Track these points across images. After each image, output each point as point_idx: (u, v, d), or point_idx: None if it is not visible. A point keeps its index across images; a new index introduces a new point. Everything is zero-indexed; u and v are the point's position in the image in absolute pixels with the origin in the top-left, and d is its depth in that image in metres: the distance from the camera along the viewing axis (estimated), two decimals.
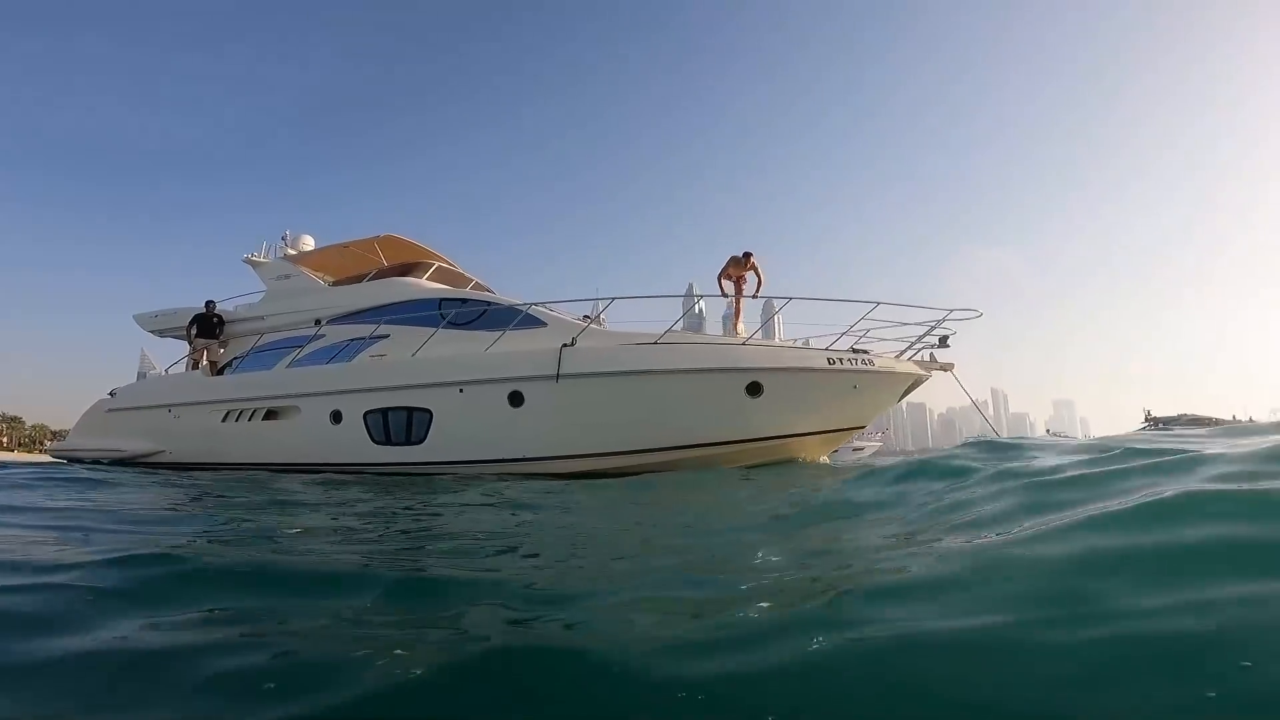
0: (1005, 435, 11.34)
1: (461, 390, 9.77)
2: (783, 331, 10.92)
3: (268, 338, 12.18)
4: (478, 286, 12.44)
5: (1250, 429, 6.05)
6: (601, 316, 10.74)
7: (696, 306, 11.43)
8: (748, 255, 10.24)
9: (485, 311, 10.43)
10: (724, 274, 10.36)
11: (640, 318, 9.84)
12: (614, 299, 10.08)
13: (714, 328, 11.45)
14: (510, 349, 9.74)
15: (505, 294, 11.40)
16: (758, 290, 10.40)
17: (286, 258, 13.17)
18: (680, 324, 9.80)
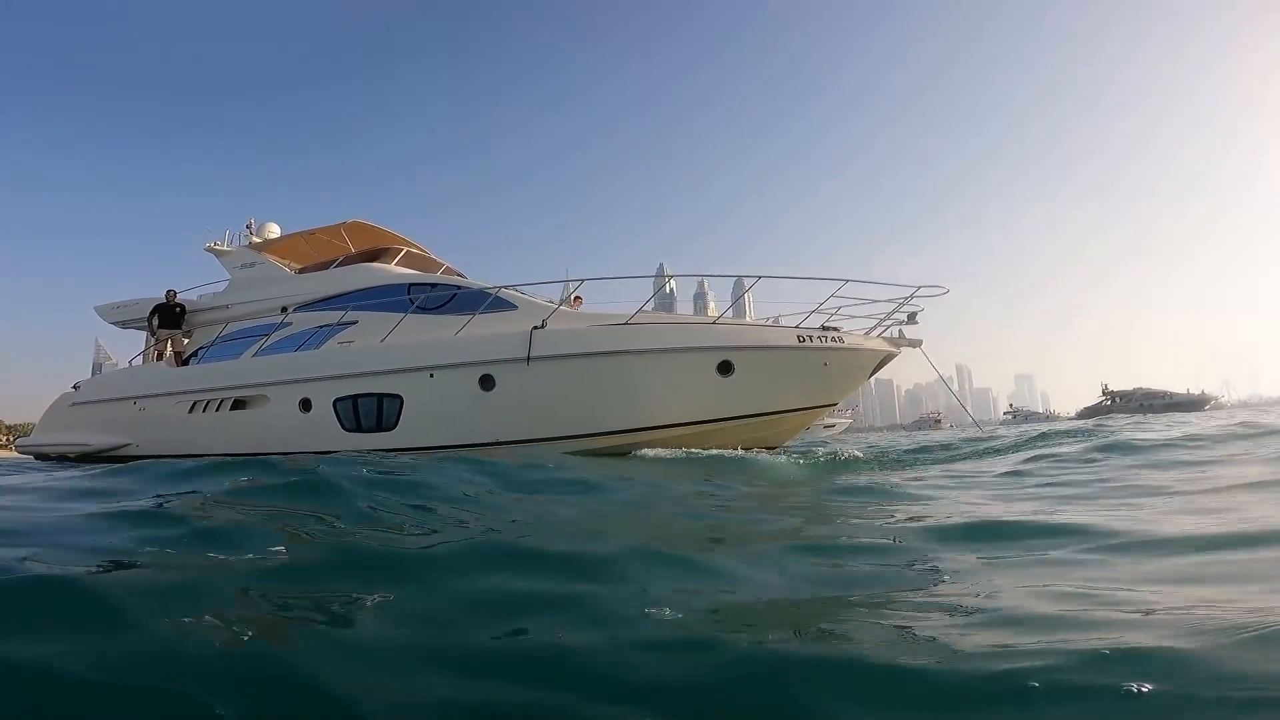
0: (971, 410, 11.25)
1: (432, 375, 9.49)
2: (754, 310, 10.77)
3: (233, 327, 11.76)
4: (448, 271, 12.10)
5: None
6: (574, 298, 10.49)
7: (667, 286, 11.15)
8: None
9: (455, 296, 10.14)
10: None
11: (619, 299, 9.62)
12: (583, 280, 9.84)
13: (684, 307, 11.25)
14: (481, 332, 9.48)
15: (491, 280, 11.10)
16: None
17: (251, 245, 12.70)
18: (651, 304, 9.58)
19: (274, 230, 13.41)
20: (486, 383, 9.23)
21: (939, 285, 9.68)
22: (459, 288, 10.29)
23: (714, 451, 8.23)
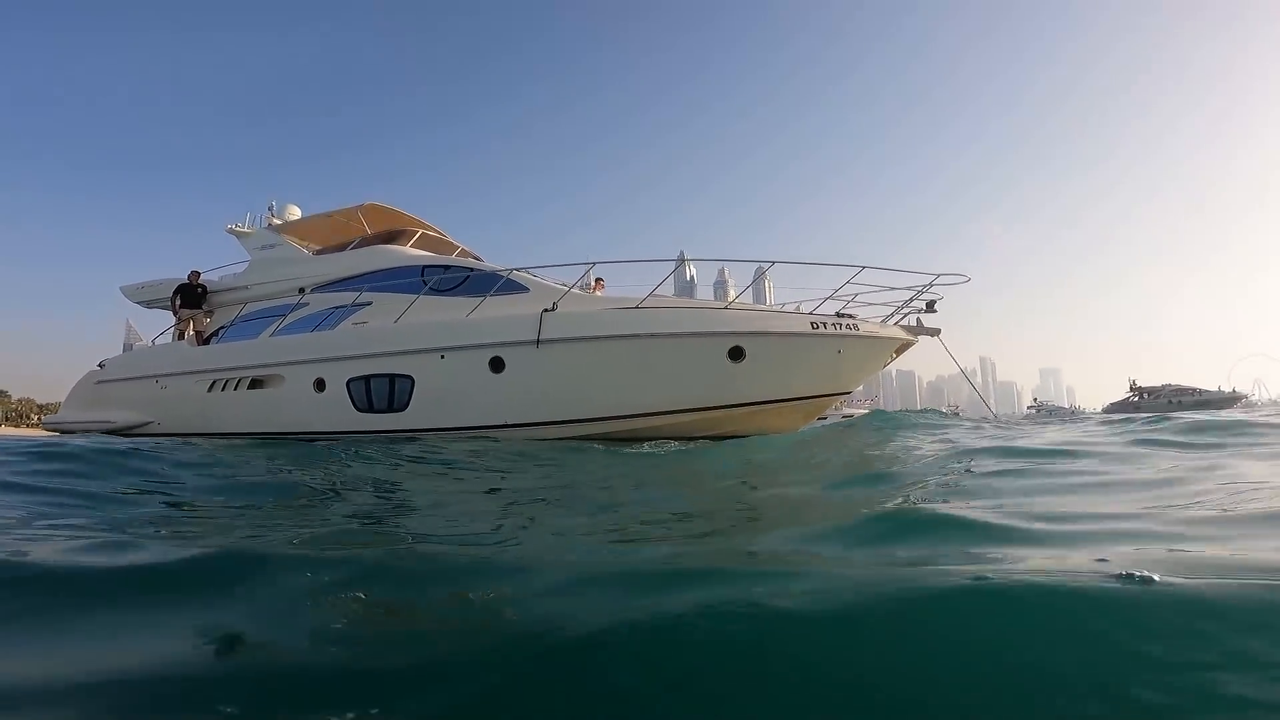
0: (994, 404, 10.88)
1: (443, 356, 9.44)
2: (774, 296, 10.54)
3: (251, 307, 11.82)
4: (464, 254, 12.04)
5: None
6: (596, 281, 10.39)
7: (688, 272, 10.99)
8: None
9: (468, 278, 10.06)
10: None
11: (641, 283, 9.43)
12: (595, 263, 9.69)
13: (705, 293, 11.05)
14: (492, 315, 9.39)
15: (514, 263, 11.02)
16: None
17: (271, 227, 12.76)
18: (672, 289, 9.44)
19: (294, 212, 13.48)
20: (496, 365, 9.15)
21: (960, 274, 9.39)
22: (471, 270, 10.20)
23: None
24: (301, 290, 11.29)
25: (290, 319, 11.07)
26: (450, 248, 12.05)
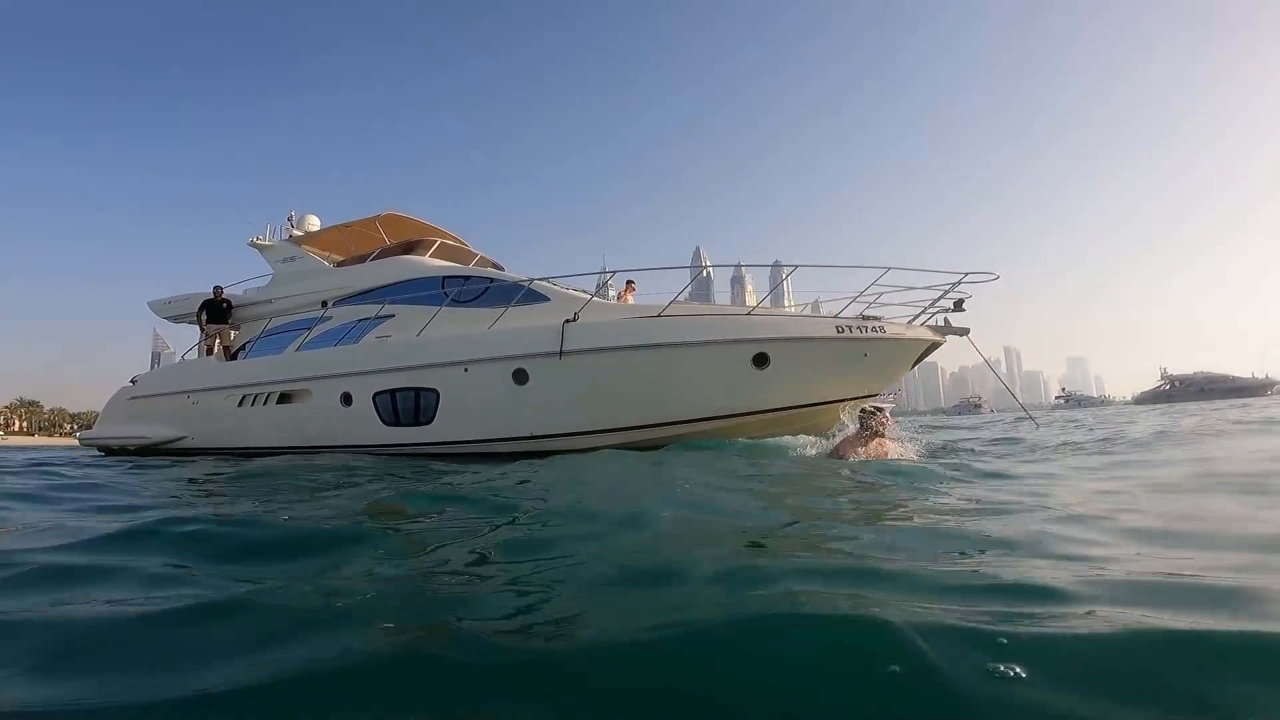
0: (1020, 394, 10.52)
1: (466, 369, 9.36)
2: (794, 297, 10.30)
3: (276, 321, 11.85)
4: (483, 261, 11.97)
5: None
6: (626, 284, 10.28)
7: (705, 271, 10.81)
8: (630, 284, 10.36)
9: (488, 288, 9.96)
10: None
11: (658, 290, 9.40)
12: (614, 272, 9.58)
13: (721, 290, 10.86)
14: (513, 326, 9.28)
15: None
16: None
17: (291, 239, 12.81)
18: (688, 294, 9.25)
19: (314, 223, 13.50)
20: (520, 376, 9.04)
21: (988, 271, 9.11)
22: (492, 280, 10.10)
23: None
24: (324, 304, 11.30)
25: (315, 333, 11.08)
26: (469, 256, 11.99)
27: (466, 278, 10.34)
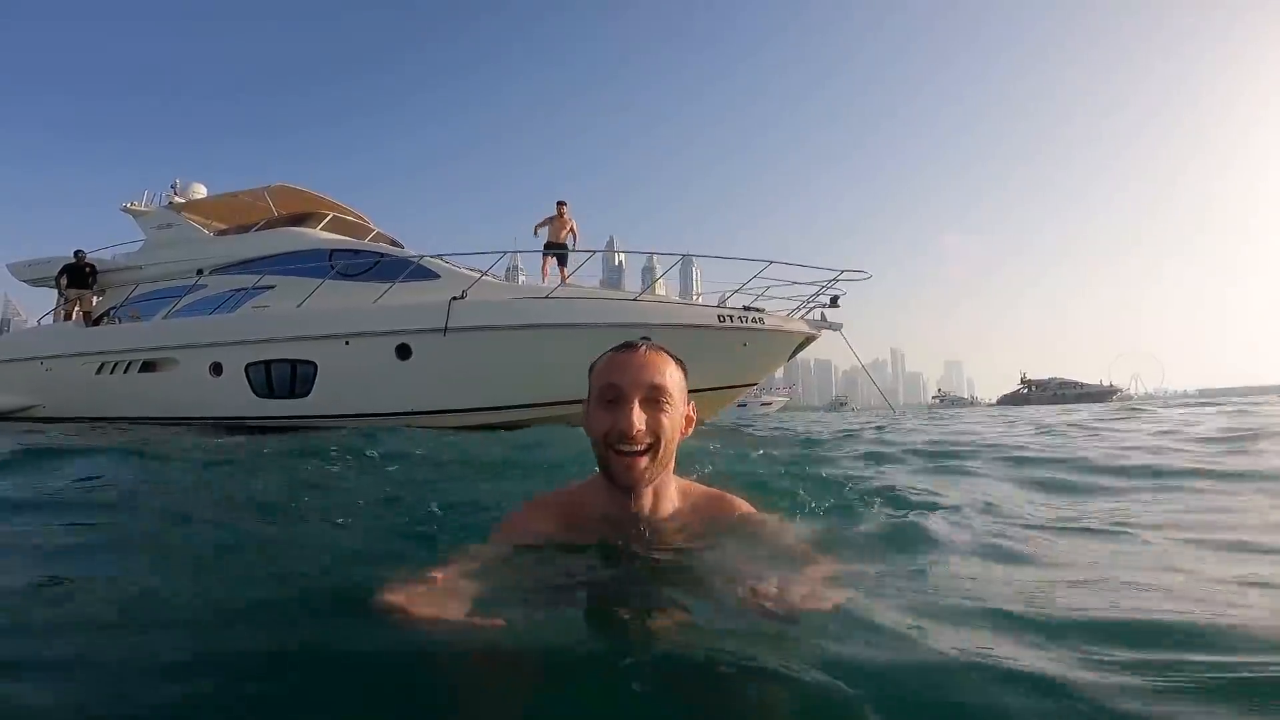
0: (901, 393, 11.13)
1: (347, 342, 9.03)
2: (701, 288, 10.46)
3: (145, 288, 11.01)
4: (379, 238, 11.55)
5: None
6: (559, 207, 10.27)
7: (617, 260, 10.82)
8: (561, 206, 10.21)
9: (377, 263, 9.66)
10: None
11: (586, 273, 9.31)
12: (505, 252, 9.45)
13: (633, 280, 10.93)
14: (400, 301, 9.01)
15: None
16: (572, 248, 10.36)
17: (171, 206, 11.90)
18: (600, 280, 9.29)
19: (199, 191, 12.64)
20: (403, 352, 8.81)
21: (861, 270, 9.56)
22: (382, 255, 9.80)
23: None
24: (200, 272, 10.58)
25: (186, 301, 10.37)
26: (364, 231, 11.53)
27: (357, 252, 9.99)
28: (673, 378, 1.37)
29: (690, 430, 1.43)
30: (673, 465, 1.43)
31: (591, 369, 1.42)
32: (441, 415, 8.64)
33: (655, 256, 11.93)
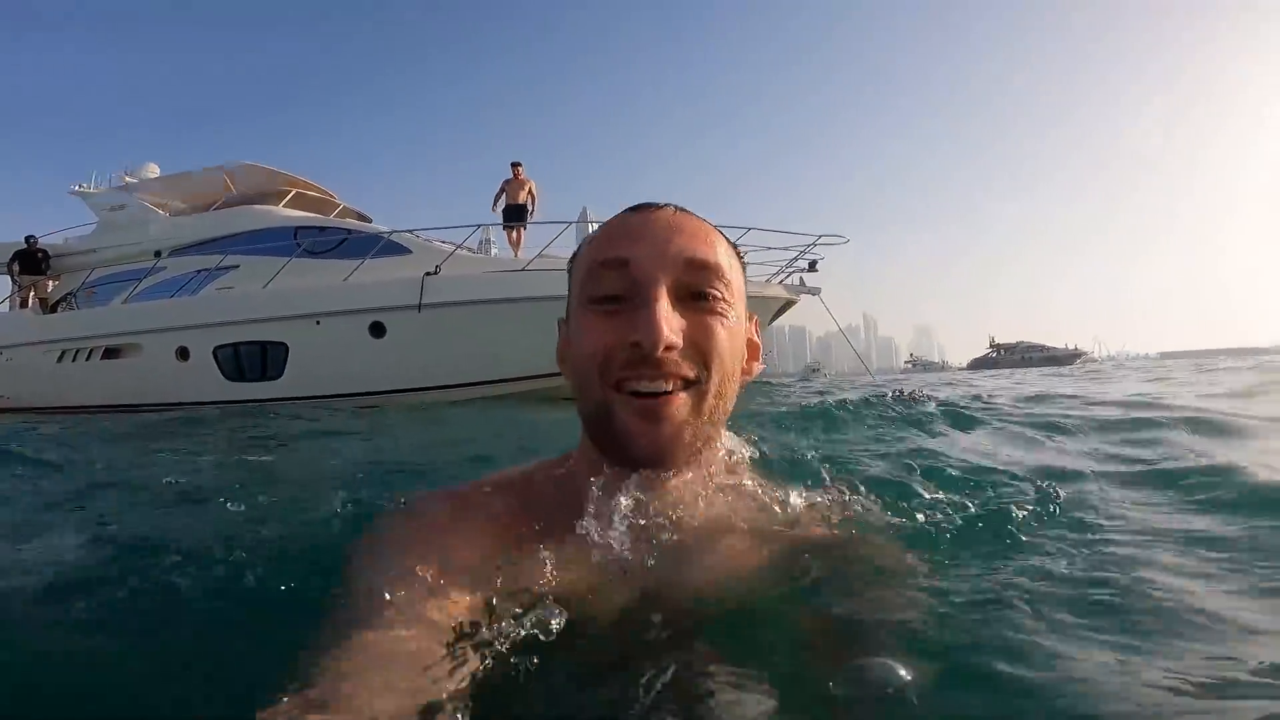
0: (874, 359, 11.06)
1: (318, 322, 8.72)
2: None
3: (101, 272, 10.53)
4: (346, 213, 11.16)
5: None
6: (494, 241, 9.85)
7: (591, 230, 10.56)
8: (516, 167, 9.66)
9: (345, 239, 9.29)
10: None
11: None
12: (477, 226, 9.13)
13: None
14: (372, 278, 8.70)
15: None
16: (532, 210, 9.87)
17: (124, 187, 11.36)
18: (573, 248, 9.03)
19: (153, 171, 12.09)
20: (377, 330, 8.52)
21: (839, 235, 9.45)
22: (349, 231, 9.44)
23: None
24: (158, 254, 10.10)
25: (146, 284, 9.90)
26: (330, 207, 11.16)
27: (322, 228, 9.63)
28: (726, 256, 0.77)
29: (755, 371, 0.83)
30: (723, 431, 0.83)
31: (574, 259, 0.84)
32: (418, 393, 8.41)
33: None
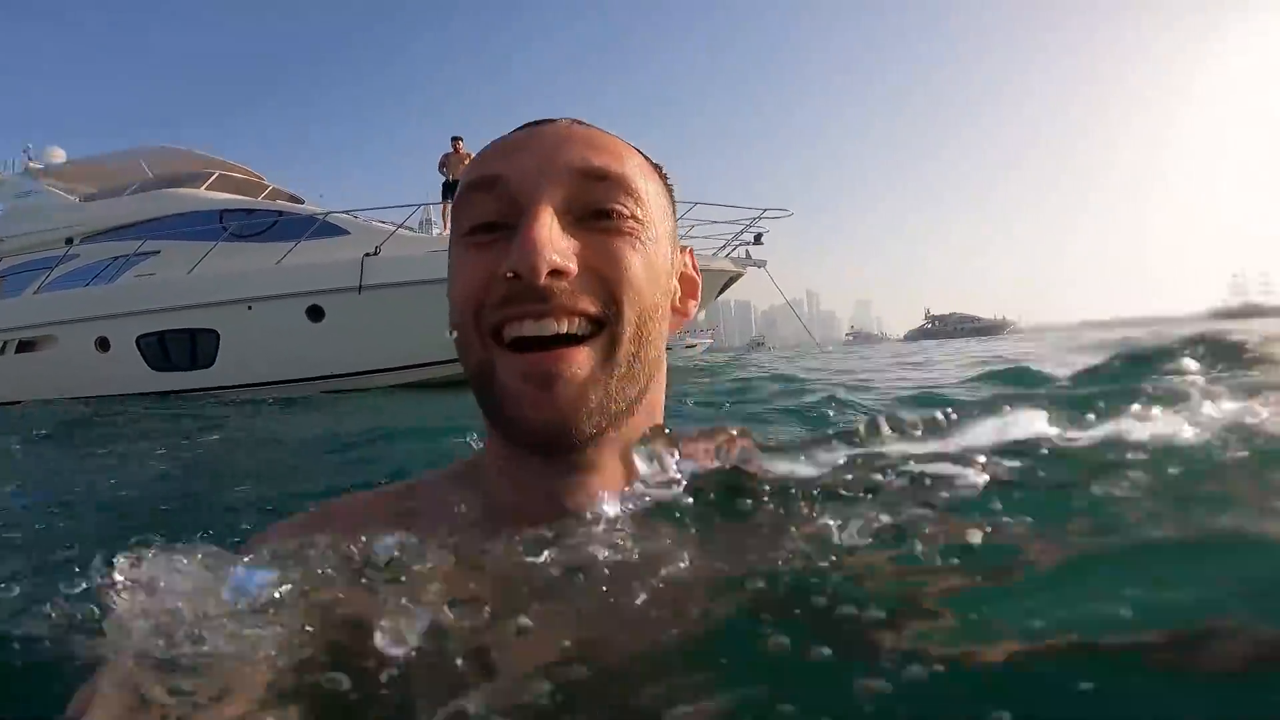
0: (816, 332, 11.27)
1: (251, 307, 8.34)
2: None
3: (8, 261, 9.86)
4: (276, 194, 10.66)
5: None
6: (435, 221, 9.73)
7: None
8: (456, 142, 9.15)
9: (276, 222, 8.92)
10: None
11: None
12: (418, 205, 8.90)
13: None
14: (307, 261, 8.37)
15: None
16: None
17: (28, 173, 10.64)
18: None
19: (59, 155, 11.41)
20: (315, 314, 8.22)
21: (784, 208, 9.56)
22: (280, 213, 9.08)
23: None
24: (70, 241, 9.50)
25: (59, 272, 9.30)
26: (258, 189, 10.66)
27: (251, 211, 9.21)
28: (638, 169, 0.60)
29: (693, 313, 0.67)
30: (662, 399, 0.65)
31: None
32: (360, 377, 8.16)
33: None
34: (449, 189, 9.39)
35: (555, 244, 0.52)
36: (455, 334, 0.59)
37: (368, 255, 8.18)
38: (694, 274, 0.68)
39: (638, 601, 0.50)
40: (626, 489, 0.58)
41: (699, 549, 0.55)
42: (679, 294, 0.65)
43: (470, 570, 0.53)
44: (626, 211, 0.57)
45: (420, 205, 9.47)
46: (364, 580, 0.51)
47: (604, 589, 0.51)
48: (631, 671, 0.49)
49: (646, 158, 0.63)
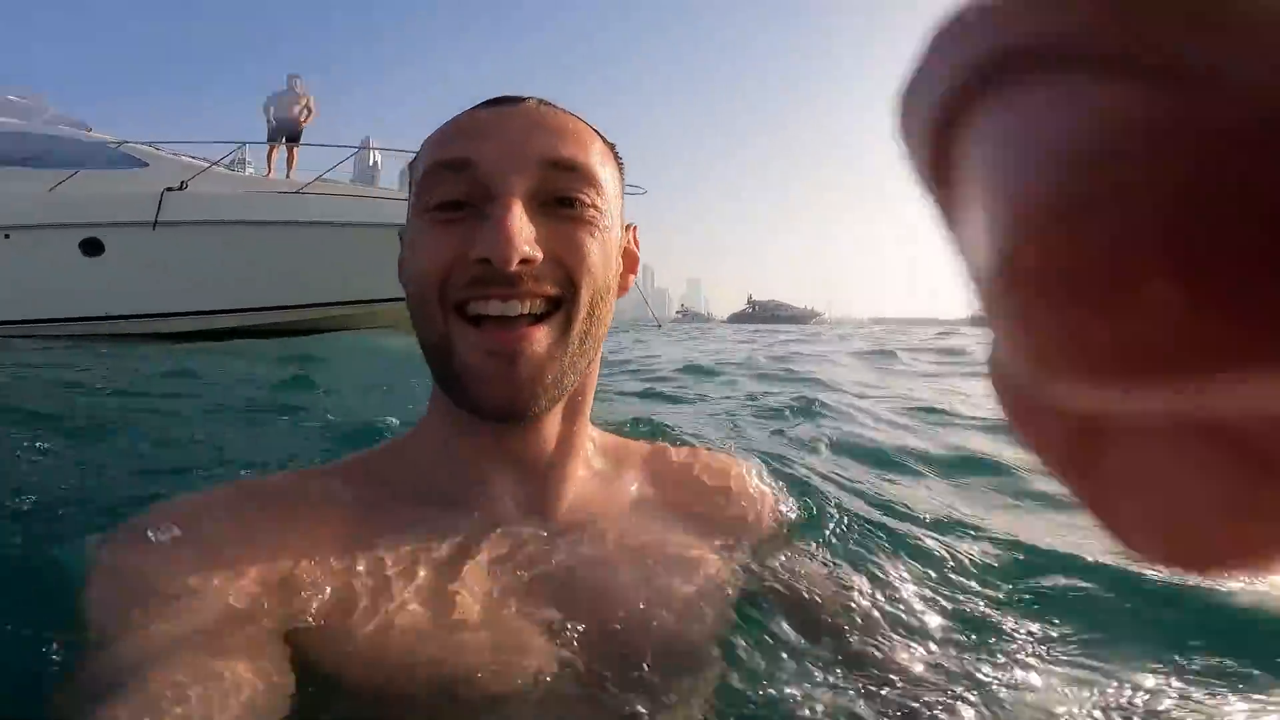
0: (650, 309, 11.96)
1: (8, 236, 7.32)
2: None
3: None
4: (59, 119, 9.35)
5: None
6: (249, 161, 9.09)
7: (372, 159, 9.78)
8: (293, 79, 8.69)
9: (51, 148, 7.86)
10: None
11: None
12: (244, 144, 8.25)
13: (390, 183, 10.00)
14: (87, 191, 7.49)
15: None
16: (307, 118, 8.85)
17: None
18: (351, 179, 8.58)
19: None
20: (91, 247, 7.40)
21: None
22: (57, 138, 8.01)
23: None
24: None
25: None
26: (29, 112, 9.28)
27: (23, 135, 8.03)
28: (599, 156, 0.64)
29: (629, 284, 0.73)
30: (593, 385, 0.69)
31: (414, 161, 0.65)
32: (145, 320, 7.51)
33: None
34: (283, 130, 8.70)
35: (525, 234, 0.56)
36: (411, 301, 0.63)
37: (169, 190, 7.47)
38: (635, 249, 0.73)
39: (609, 581, 0.64)
40: (575, 465, 0.68)
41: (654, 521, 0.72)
42: (620, 270, 0.68)
43: (432, 555, 0.61)
44: (588, 201, 0.61)
45: (243, 144, 8.76)
46: (331, 572, 0.57)
47: (573, 572, 0.63)
48: (609, 655, 0.61)
49: (603, 138, 0.67)
